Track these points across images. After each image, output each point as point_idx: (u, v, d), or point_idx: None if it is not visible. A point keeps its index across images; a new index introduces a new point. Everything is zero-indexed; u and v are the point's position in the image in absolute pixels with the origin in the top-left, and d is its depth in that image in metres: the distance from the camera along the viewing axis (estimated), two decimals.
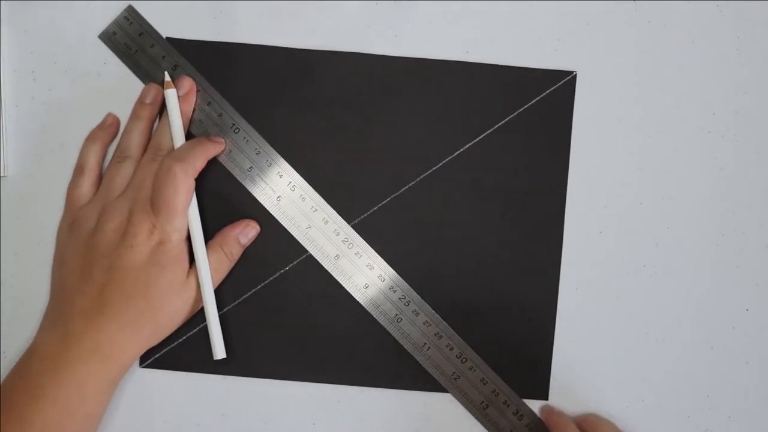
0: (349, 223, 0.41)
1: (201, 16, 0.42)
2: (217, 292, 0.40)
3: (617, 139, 0.42)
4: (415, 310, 0.41)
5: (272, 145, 0.41)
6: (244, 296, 0.41)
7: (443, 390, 0.41)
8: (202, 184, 0.41)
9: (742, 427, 0.42)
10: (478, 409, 0.41)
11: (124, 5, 0.42)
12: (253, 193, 0.41)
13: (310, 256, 0.41)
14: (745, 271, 0.42)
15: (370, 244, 0.41)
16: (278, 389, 0.42)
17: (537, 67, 0.42)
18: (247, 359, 0.41)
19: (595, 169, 0.42)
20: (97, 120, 0.42)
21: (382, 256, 0.41)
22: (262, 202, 0.41)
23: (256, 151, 0.41)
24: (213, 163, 0.41)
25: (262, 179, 0.41)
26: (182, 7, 0.42)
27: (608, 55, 0.43)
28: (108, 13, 0.42)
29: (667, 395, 0.42)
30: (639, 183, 0.42)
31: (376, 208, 0.42)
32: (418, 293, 0.41)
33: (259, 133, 0.41)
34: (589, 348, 0.42)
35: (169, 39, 0.42)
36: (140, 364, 0.41)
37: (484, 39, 0.42)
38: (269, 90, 0.42)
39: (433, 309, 0.41)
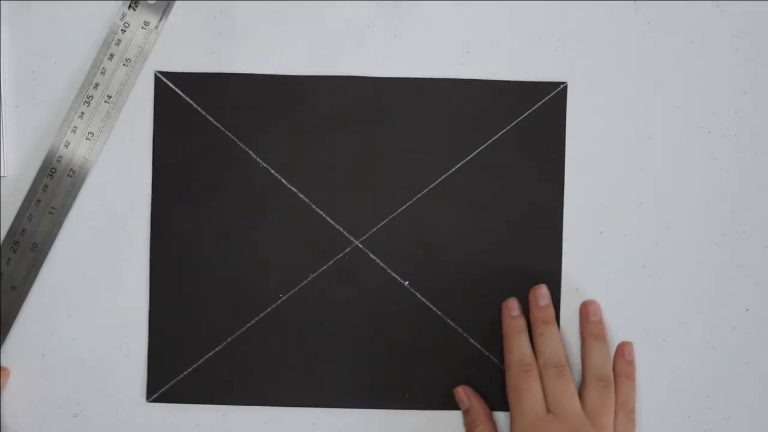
0: (349, 245, 0.41)
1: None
2: (220, 320, 0.41)
3: (617, 139, 0.42)
4: None
5: (269, 169, 0.41)
6: (248, 325, 0.41)
7: (443, 408, 0.41)
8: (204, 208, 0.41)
9: (742, 427, 0.42)
10: None
11: (124, 5, 0.42)
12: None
13: (309, 282, 0.41)
14: (745, 271, 0.42)
15: (371, 265, 0.41)
16: None
17: (537, 67, 0.42)
18: (253, 387, 0.41)
19: (595, 169, 0.42)
20: None
21: (383, 275, 0.41)
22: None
23: None
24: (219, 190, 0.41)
25: None
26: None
27: (608, 56, 0.43)
28: (107, 13, 0.42)
29: (667, 395, 0.42)
30: (639, 183, 0.42)
31: (374, 229, 0.42)
32: (422, 307, 0.42)
33: (257, 158, 0.41)
34: None
35: (162, 72, 0.41)
36: (147, 399, 0.41)
37: (483, 39, 0.42)
38: (263, 117, 0.42)
39: (437, 315, 0.41)
